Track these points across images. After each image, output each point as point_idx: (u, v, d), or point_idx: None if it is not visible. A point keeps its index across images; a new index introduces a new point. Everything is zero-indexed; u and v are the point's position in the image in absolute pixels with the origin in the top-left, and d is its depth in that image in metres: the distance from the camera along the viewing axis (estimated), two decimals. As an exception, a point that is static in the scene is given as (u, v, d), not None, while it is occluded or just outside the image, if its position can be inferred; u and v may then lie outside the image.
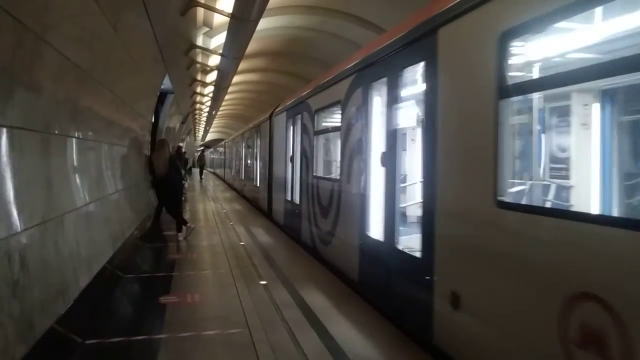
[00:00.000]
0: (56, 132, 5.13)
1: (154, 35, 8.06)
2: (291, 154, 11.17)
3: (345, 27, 14.20)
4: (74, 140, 5.89)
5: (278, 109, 13.34)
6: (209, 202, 18.92)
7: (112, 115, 8.15)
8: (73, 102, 5.70)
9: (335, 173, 9.53)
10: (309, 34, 15.58)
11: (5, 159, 3.78)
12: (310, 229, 9.17)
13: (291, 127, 11.32)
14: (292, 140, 11.23)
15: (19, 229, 3.80)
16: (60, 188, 5.19)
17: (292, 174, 11.11)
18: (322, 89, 8.66)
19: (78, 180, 6.01)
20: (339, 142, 7.75)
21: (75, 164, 5.95)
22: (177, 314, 5.39)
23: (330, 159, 10.78)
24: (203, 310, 5.58)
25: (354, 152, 6.74)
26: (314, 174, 9.14)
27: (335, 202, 7.63)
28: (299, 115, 10.30)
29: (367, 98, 6.25)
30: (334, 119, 8.80)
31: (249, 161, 20.85)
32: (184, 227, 10.01)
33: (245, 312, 5.33)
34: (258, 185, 17.23)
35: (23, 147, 4.16)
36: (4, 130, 3.74)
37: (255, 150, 18.06)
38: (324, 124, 9.33)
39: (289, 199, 11.33)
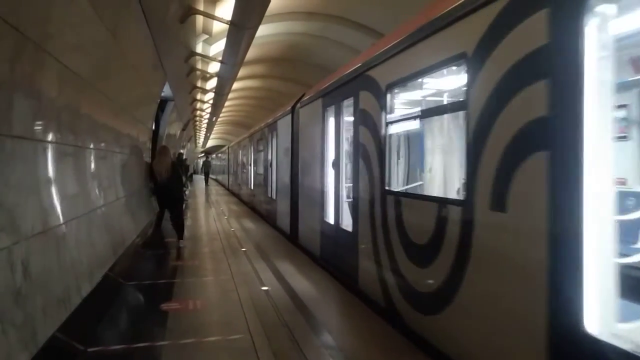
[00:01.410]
0: (56, 140, 5.15)
1: (154, 42, 8.11)
2: (334, 156, 7.96)
3: (345, 33, 14.27)
4: (73, 148, 5.91)
5: (306, 98, 9.90)
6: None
7: (112, 123, 8.19)
8: (74, 111, 5.73)
9: (449, 188, 6.83)
10: (309, 40, 15.66)
11: (7, 167, 3.80)
12: (381, 277, 5.79)
13: (332, 119, 8.09)
14: (335, 137, 7.95)
15: (22, 238, 3.82)
16: (61, 196, 5.21)
17: (336, 186, 7.88)
18: (408, 45, 5.13)
19: (79, 189, 6.03)
20: (456, 133, 5.33)
21: (74, 172, 5.97)
22: (179, 320, 5.39)
23: (429, 163, 7.52)
24: (205, 316, 5.58)
25: (521, 150, 3.38)
26: (388, 188, 5.74)
27: (452, 241, 4.19)
28: (350, 100, 7.05)
29: (575, 32, 2.95)
30: (444, 90, 6.32)
31: (260, 167, 16.83)
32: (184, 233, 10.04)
33: (247, 318, 5.33)
34: (274, 197, 13.74)
35: (24, 156, 4.18)
36: (5, 139, 3.76)
37: (270, 154, 14.49)
38: (409, 104, 6.60)
39: (331, 221, 8.05)
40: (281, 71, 20.42)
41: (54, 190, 4.99)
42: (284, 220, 12.15)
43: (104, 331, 5.01)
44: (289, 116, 11.45)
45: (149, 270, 8.11)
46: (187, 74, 12.56)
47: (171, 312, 5.67)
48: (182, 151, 26.36)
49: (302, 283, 7.00)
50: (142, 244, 9.57)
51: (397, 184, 6.46)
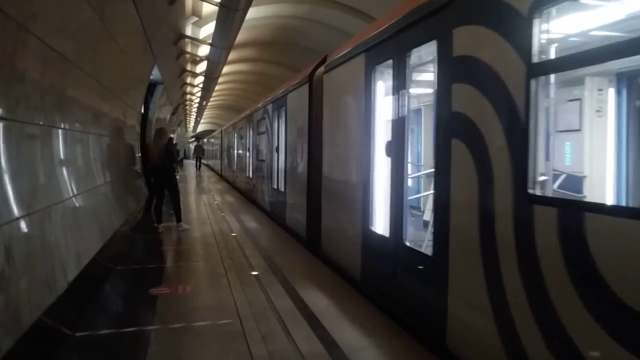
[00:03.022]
0: (42, 123, 5.07)
1: (142, 24, 7.98)
2: (390, 137, 5.32)
3: (334, 16, 14.17)
4: (60, 131, 5.82)
5: (335, 58, 7.26)
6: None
7: (100, 106, 8.08)
8: (59, 93, 5.63)
9: None
10: (298, 22, 15.54)
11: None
12: (515, 351, 3.26)
13: (386, 82, 5.71)
14: (392, 107, 5.22)
15: (4, 221, 3.76)
16: (47, 179, 5.14)
17: (394, 180, 5.18)
18: None
19: (65, 171, 5.95)
20: None
21: (62, 155, 5.88)
22: (168, 305, 5.37)
23: None
24: (194, 301, 5.56)
25: None
26: (533, 192, 3.17)
27: None
28: (428, 46, 4.64)
29: None
30: None
31: (262, 152, 14.12)
32: (169, 219, 10.02)
33: (237, 303, 5.31)
34: (282, 189, 11.05)
35: (7, 138, 4.10)
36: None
37: (275, 136, 11.92)
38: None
39: (384, 232, 5.42)
40: (271, 54, 20.28)
41: (38, 173, 4.91)
42: (298, 219, 9.61)
43: (92, 316, 4.98)
44: (305, 87, 8.93)
45: (137, 254, 8.07)
46: (177, 57, 12.44)
47: (160, 296, 5.65)
48: (172, 136, 26.17)
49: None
50: (131, 228, 9.51)
51: (565, 186, 3.66)
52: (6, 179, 4.00)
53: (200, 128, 57.51)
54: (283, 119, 11.06)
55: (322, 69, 8.07)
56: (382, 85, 5.76)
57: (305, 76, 8.96)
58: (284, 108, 10.91)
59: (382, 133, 5.72)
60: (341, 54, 6.95)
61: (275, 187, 11.89)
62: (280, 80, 17.30)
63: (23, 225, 4.18)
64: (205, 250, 8.20)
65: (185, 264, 7.42)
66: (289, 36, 17.17)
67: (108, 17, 6.40)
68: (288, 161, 10.53)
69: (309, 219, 8.75)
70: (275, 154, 11.86)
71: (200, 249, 8.45)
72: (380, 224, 5.66)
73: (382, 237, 5.48)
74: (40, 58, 4.73)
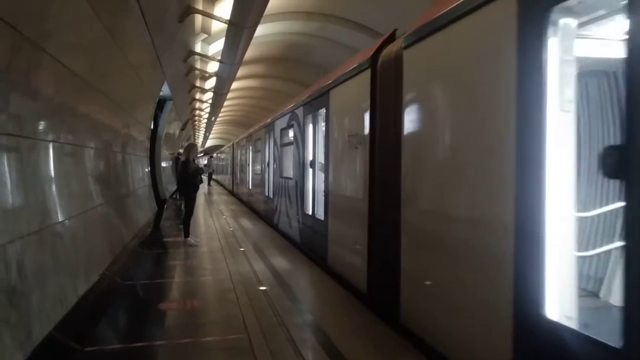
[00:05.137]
0: (55, 139, 5.13)
1: (152, 42, 8.09)
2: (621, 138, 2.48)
3: (344, 33, 14.28)
4: (71, 147, 5.89)
5: (433, 19, 4.47)
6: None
7: (109, 122, 8.17)
8: (71, 110, 5.71)
9: None
10: (308, 39, 15.67)
11: (3, 166, 3.78)
12: None
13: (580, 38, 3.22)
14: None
15: (17, 237, 3.80)
16: (59, 194, 5.19)
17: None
18: None
19: (76, 187, 6.01)
20: None
21: (73, 170, 5.95)
22: (177, 320, 5.37)
23: None
24: (202, 316, 5.56)
25: None
26: None
27: None
28: None
29: None
30: None
31: (287, 168, 11.58)
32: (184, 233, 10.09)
33: (245, 318, 5.30)
34: (321, 217, 8.44)
35: (21, 155, 4.16)
36: (2, 138, 3.74)
37: (308, 148, 9.49)
38: None
39: (609, 339, 2.48)
40: (280, 71, 20.44)
41: (51, 188, 4.97)
42: (350, 261, 6.96)
43: (101, 330, 4.99)
44: (364, 75, 6.39)
45: (146, 269, 8.09)
46: (186, 74, 12.56)
47: (169, 311, 5.65)
48: (180, 150, 26.31)
49: None
50: (140, 243, 9.54)
51: None
52: (19, 195, 4.06)
53: (208, 143, 57.82)
54: (322, 123, 8.61)
55: (397, 43, 5.55)
56: (564, 46, 3.05)
57: (365, 60, 6.33)
58: (323, 109, 8.32)
59: (571, 133, 3.10)
60: (448, 8, 4.21)
61: (310, 213, 9.27)
62: (290, 96, 17.35)
63: (35, 241, 4.22)
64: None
65: (193, 278, 7.42)
66: (298, 53, 17.31)
67: (119, 34, 6.50)
68: (331, 180, 7.89)
69: (371, 264, 6.17)
70: (310, 171, 9.37)
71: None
72: (575, 311, 3.01)
73: (589, 340, 2.67)
74: (54, 76, 4.81)
